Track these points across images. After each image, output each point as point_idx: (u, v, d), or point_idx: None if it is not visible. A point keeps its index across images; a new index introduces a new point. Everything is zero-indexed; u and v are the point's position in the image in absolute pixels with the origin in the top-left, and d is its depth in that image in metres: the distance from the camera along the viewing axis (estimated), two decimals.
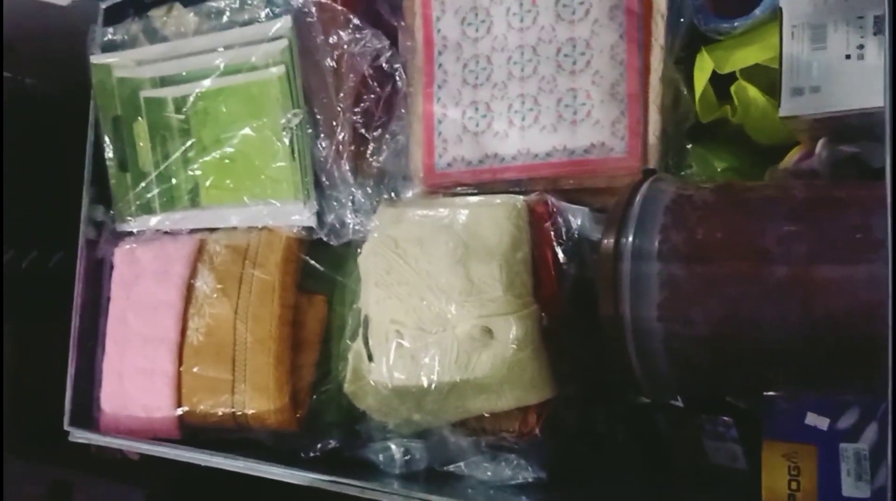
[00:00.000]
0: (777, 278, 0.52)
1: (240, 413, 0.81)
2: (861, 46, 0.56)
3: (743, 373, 0.58)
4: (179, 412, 0.84)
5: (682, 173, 0.70)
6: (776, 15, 0.63)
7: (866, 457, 0.59)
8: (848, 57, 0.57)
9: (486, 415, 0.72)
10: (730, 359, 0.56)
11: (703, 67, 0.68)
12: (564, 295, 0.71)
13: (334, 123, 0.77)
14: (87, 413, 0.94)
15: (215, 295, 0.83)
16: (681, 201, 0.58)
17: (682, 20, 0.69)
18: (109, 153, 0.93)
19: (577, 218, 0.70)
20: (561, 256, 0.69)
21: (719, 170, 0.70)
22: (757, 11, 0.64)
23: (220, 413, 0.82)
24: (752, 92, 0.66)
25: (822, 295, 0.51)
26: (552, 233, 0.70)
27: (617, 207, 0.61)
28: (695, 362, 0.57)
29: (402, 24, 0.79)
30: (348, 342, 0.80)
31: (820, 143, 0.59)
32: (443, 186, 0.79)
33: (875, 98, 0.54)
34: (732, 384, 0.62)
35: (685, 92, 0.70)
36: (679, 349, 0.57)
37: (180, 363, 0.85)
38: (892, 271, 0.45)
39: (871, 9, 0.55)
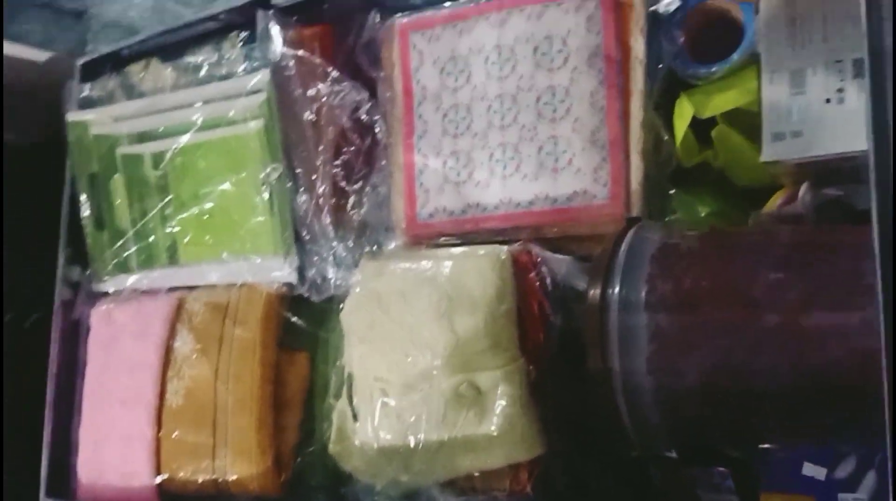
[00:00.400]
0: (767, 326, 0.51)
1: (221, 479, 0.78)
2: (841, 90, 0.56)
3: (735, 424, 0.56)
4: (158, 479, 0.81)
5: (666, 219, 0.70)
6: (754, 59, 0.63)
7: None
8: (828, 101, 0.56)
9: (476, 474, 0.70)
10: (721, 410, 0.55)
11: (683, 113, 0.68)
12: (551, 347, 0.69)
13: (314, 177, 0.76)
14: (65, 482, 0.90)
15: (195, 356, 0.81)
16: (667, 249, 0.57)
17: (660, 66, 0.69)
18: (86, 211, 0.91)
19: (562, 267, 0.69)
20: (547, 306, 0.68)
21: (703, 214, 0.69)
22: (734, 56, 0.64)
23: (201, 480, 0.79)
24: (734, 136, 0.66)
25: (813, 344, 0.50)
26: (537, 283, 0.69)
27: (602, 256, 0.59)
28: (686, 413, 0.56)
29: (382, 74, 0.79)
30: (332, 400, 0.78)
31: (803, 187, 0.58)
32: (426, 237, 0.78)
33: (857, 141, 0.54)
34: (725, 435, 0.60)
35: (666, 137, 0.69)
36: (669, 400, 0.55)
37: (159, 427, 0.82)
38: (882, 313, 0.44)
39: (849, 53, 0.55)
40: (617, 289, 0.57)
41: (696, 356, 0.54)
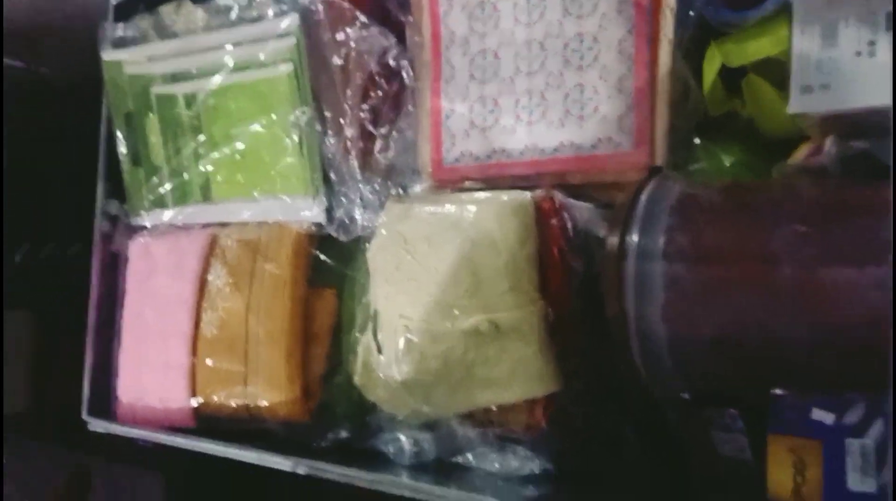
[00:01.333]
0: (784, 282, 0.52)
1: (252, 405, 0.83)
2: (872, 43, 0.55)
3: (748, 376, 0.58)
4: (194, 403, 0.86)
5: (691, 168, 0.70)
6: (787, 8, 0.62)
7: (872, 452, 0.59)
8: (859, 54, 0.56)
9: (494, 408, 0.73)
10: (735, 362, 0.56)
11: (713, 61, 0.68)
12: (571, 292, 0.71)
13: (342, 121, 0.77)
14: (105, 403, 0.95)
15: (227, 289, 0.85)
16: (687, 201, 0.58)
17: (691, 13, 0.68)
18: (122, 148, 0.94)
19: (584, 215, 0.70)
20: (567, 252, 0.70)
21: (728, 165, 0.69)
22: (768, 4, 0.63)
23: (234, 405, 0.83)
24: (763, 86, 0.66)
25: (830, 299, 0.51)
26: (559, 229, 0.70)
27: (622, 205, 0.60)
28: (699, 364, 0.57)
29: (410, 19, 0.79)
30: (358, 335, 0.81)
31: (829, 140, 0.58)
32: (451, 181, 0.79)
33: (885, 95, 0.53)
34: (738, 387, 0.62)
35: (694, 86, 0.69)
36: (683, 350, 0.57)
37: (195, 355, 0.86)
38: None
39: (883, 5, 0.54)
40: (635, 238, 0.58)
41: (711, 308, 0.55)
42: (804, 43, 0.58)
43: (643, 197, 0.59)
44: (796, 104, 0.58)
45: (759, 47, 0.64)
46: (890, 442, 0.46)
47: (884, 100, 0.53)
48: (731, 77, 0.68)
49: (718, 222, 0.56)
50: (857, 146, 0.56)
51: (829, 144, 0.58)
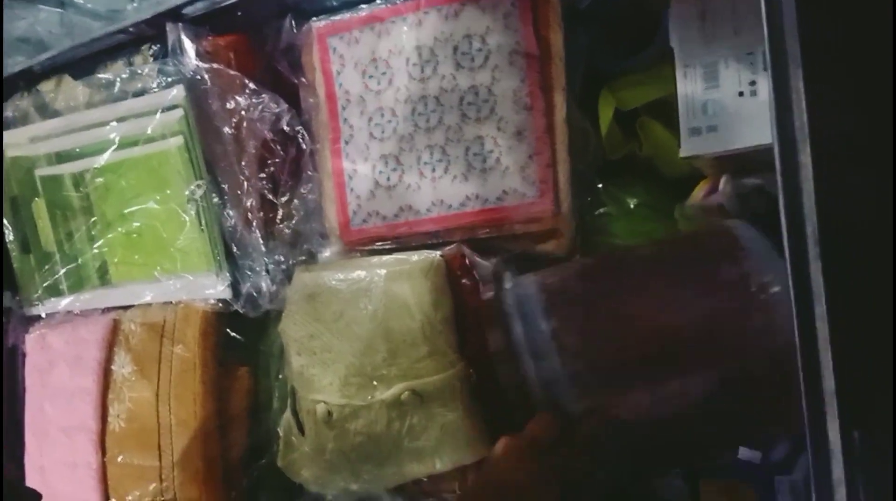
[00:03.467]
0: (678, 348, 0.51)
1: None
2: (753, 83, 0.56)
3: (670, 448, 0.57)
4: None
5: (597, 213, 0.70)
6: (671, 51, 0.62)
7: (801, 488, 0.59)
8: (741, 94, 0.56)
9: (425, 479, 0.70)
10: (654, 439, 0.55)
11: (606, 106, 0.68)
12: (491, 349, 0.69)
13: (240, 191, 0.74)
14: None
15: (134, 378, 0.80)
16: (556, 298, 0.58)
17: (581, 61, 0.68)
18: (9, 236, 0.88)
19: (494, 269, 0.68)
20: (483, 310, 0.68)
21: (632, 206, 0.69)
22: (650, 50, 0.64)
23: None
24: (656, 128, 0.66)
25: (727, 354, 0.51)
26: (472, 287, 0.68)
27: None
28: (620, 449, 0.56)
29: (303, 80, 0.77)
30: (277, 414, 0.77)
31: (723, 178, 0.58)
32: (360, 243, 0.77)
33: (770, 134, 0.54)
34: (663, 460, 0.61)
35: (591, 131, 0.69)
36: (601, 437, 0.56)
37: (103, 452, 0.81)
38: (794, 300, 0.44)
39: (760, 45, 0.55)
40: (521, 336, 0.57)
41: (620, 396, 0.54)
42: (688, 86, 0.58)
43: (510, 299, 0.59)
44: (687, 147, 0.58)
45: (647, 91, 0.65)
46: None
47: (769, 138, 0.53)
48: (627, 120, 0.68)
49: (595, 312, 0.55)
50: (750, 183, 0.57)
51: (723, 182, 0.58)
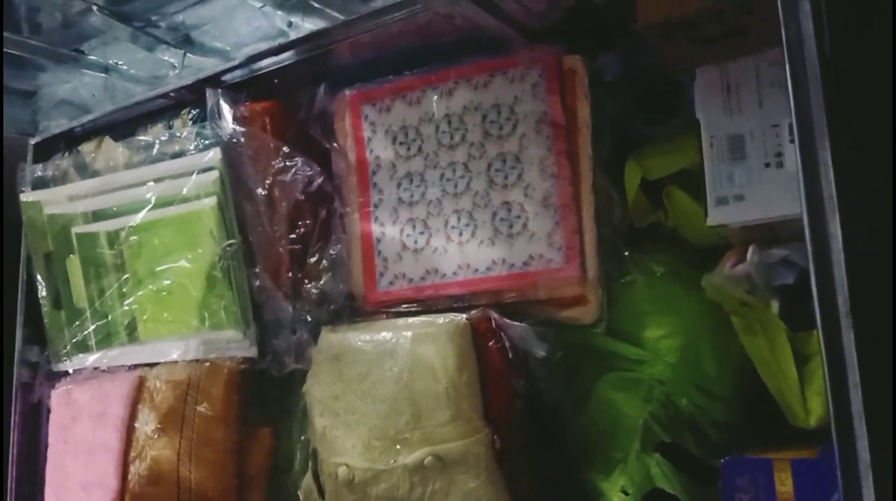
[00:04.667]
0: None
1: None
2: (779, 154, 0.57)
3: None
4: None
5: (623, 281, 0.70)
6: (697, 122, 0.64)
7: None
8: (767, 165, 0.57)
9: None
10: None
11: (633, 174, 0.69)
12: (516, 414, 0.69)
13: (270, 251, 0.76)
14: None
15: (156, 436, 0.80)
16: None
17: (607, 129, 0.69)
18: (42, 291, 0.90)
19: (521, 333, 0.68)
20: (508, 374, 0.68)
21: (658, 274, 0.69)
22: (676, 121, 0.65)
23: None
24: (682, 197, 0.67)
25: None
26: (497, 351, 0.68)
27: None
28: None
29: (335, 145, 0.79)
30: (298, 475, 0.76)
31: (751, 249, 0.59)
32: (386, 305, 0.77)
33: (797, 204, 0.54)
34: None
35: (618, 199, 0.70)
36: None
37: None
38: (825, 360, 0.43)
39: (785, 117, 0.56)
40: None
41: None
42: (714, 156, 0.59)
43: None
44: (714, 216, 0.59)
45: (673, 161, 0.66)
46: None
47: (796, 209, 0.54)
48: (653, 189, 0.69)
49: None
50: (777, 254, 0.57)
51: (751, 252, 0.58)
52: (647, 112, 0.69)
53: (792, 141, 0.55)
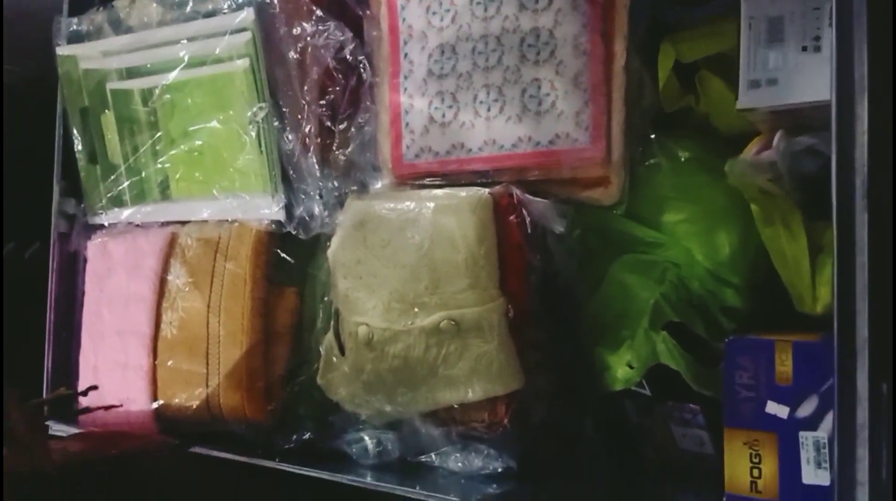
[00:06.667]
0: None
1: (214, 406, 0.82)
2: (817, 38, 0.56)
3: None
4: (155, 405, 0.85)
5: (647, 164, 0.70)
6: (736, 4, 0.62)
7: (825, 445, 0.60)
8: (805, 49, 0.56)
9: (456, 406, 0.73)
10: None
11: (667, 57, 0.68)
12: (531, 287, 0.71)
13: (300, 116, 0.77)
14: (67, 407, 0.94)
15: (187, 289, 0.84)
16: None
17: (644, 10, 0.68)
18: (78, 146, 0.92)
19: (542, 210, 0.70)
20: (526, 248, 0.70)
21: (683, 159, 0.69)
22: (717, 1, 0.63)
23: (195, 406, 0.83)
24: (715, 82, 0.66)
25: None
26: (517, 226, 0.70)
27: None
28: None
29: (368, 13, 0.78)
30: (320, 333, 0.80)
31: (777, 135, 0.58)
32: (410, 177, 0.78)
33: (830, 91, 0.54)
34: None
35: (649, 82, 0.69)
36: None
37: (154, 356, 0.85)
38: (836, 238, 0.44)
39: (828, 1, 0.55)
40: None
41: None
42: (751, 39, 0.58)
43: None
44: (744, 100, 0.58)
45: (710, 44, 0.65)
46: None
47: (828, 95, 0.53)
48: (686, 73, 0.68)
49: None
50: (804, 141, 0.57)
51: (777, 138, 0.58)
52: None
53: (831, 24, 0.54)
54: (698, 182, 0.70)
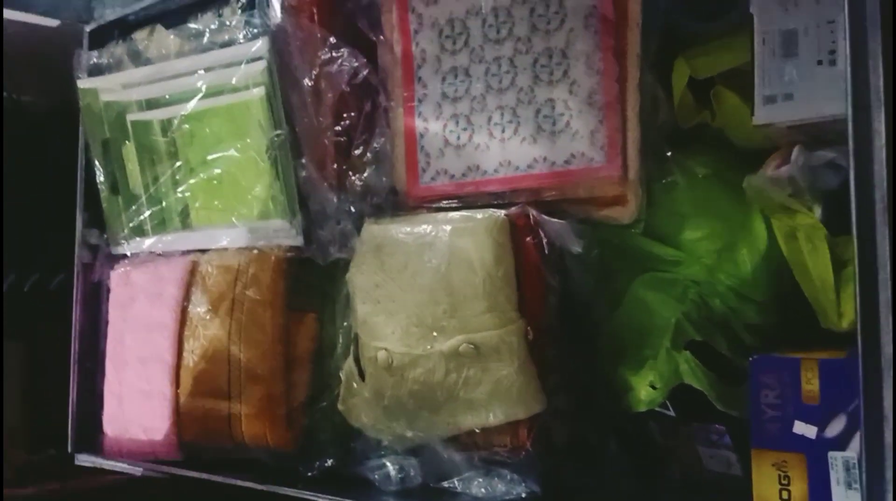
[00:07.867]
0: None
1: (237, 434, 0.82)
2: (832, 52, 0.55)
3: None
4: (178, 433, 0.85)
5: (664, 182, 0.70)
6: (750, 18, 0.62)
7: (855, 466, 0.59)
8: (820, 63, 0.55)
9: (477, 431, 0.72)
10: None
11: (681, 73, 0.68)
12: (549, 308, 0.70)
13: (315, 142, 0.77)
14: (92, 436, 0.95)
15: (208, 317, 0.84)
16: None
17: (657, 26, 0.68)
18: (100, 177, 0.94)
19: (559, 230, 0.69)
20: (544, 269, 0.69)
21: (700, 176, 0.69)
22: (731, 16, 0.63)
23: (218, 434, 0.83)
24: (730, 97, 0.65)
25: None
26: (534, 246, 0.70)
27: None
28: None
29: (381, 38, 0.79)
30: (340, 359, 0.80)
31: (795, 149, 0.58)
32: (427, 200, 0.79)
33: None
34: None
35: (664, 99, 0.69)
36: None
37: (177, 384, 0.86)
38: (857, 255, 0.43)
39: (842, 13, 0.54)
40: None
41: None
42: (765, 53, 0.57)
43: None
44: (761, 115, 0.58)
45: (724, 59, 0.64)
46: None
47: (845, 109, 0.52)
48: (700, 89, 0.68)
49: None
50: (823, 156, 0.56)
51: (796, 153, 0.58)
52: (699, 8, 0.67)
53: (845, 37, 0.54)
54: (716, 198, 0.69)
